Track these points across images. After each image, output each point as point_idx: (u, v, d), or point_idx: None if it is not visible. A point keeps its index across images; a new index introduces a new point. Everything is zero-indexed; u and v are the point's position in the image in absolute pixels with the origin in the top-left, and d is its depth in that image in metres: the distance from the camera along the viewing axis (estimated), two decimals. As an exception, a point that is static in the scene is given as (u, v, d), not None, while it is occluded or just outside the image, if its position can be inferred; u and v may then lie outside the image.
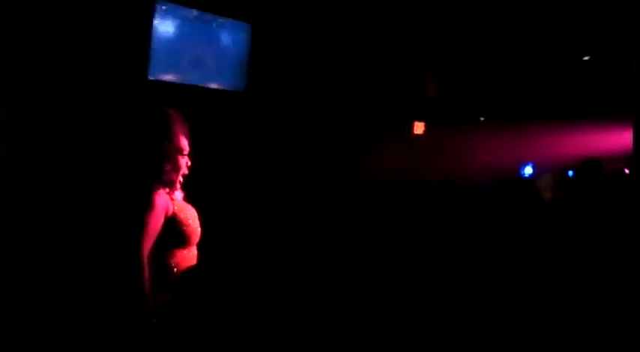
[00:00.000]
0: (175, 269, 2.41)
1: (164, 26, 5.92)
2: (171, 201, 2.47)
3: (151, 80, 5.87)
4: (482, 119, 10.09)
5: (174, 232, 2.44)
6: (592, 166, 4.99)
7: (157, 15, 5.82)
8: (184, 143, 2.59)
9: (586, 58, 9.66)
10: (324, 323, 4.53)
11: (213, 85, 6.46)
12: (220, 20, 6.40)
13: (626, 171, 5.74)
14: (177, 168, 2.55)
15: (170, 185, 2.50)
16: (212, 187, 5.92)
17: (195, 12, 6.16)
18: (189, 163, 2.63)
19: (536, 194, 6.77)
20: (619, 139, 8.27)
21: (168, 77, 6.03)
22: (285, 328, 2.36)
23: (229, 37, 6.50)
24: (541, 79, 9.48)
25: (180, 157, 2.57)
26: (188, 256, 2.49)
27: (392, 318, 4.95)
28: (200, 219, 2.63)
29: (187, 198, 2.68)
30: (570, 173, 7.21)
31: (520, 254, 5.24)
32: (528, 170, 9.11)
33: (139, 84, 5.75)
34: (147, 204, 2.38)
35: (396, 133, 8.59)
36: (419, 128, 9.35)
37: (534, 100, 9.11)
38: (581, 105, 8.84)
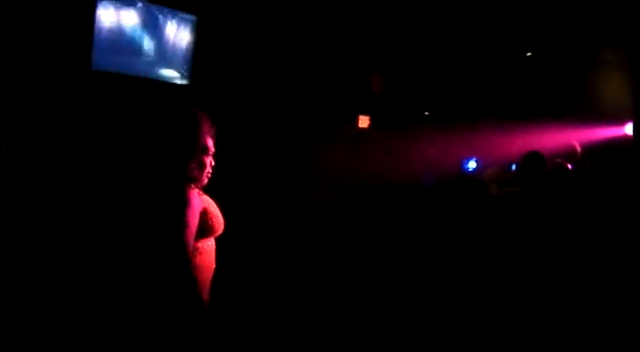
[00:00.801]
0: (198, 257, 2.52)
1: (108, 17, 5.91)
2: (199, 197, 2.56)
3: (94, 71, 5.85)
4: (426, 113, 10.30)
5: (204, 224, 2.53)
6: (535, 160, 4.93)
7: (100, 5, 5.81)
8: (210, 143, 2.69)
9: (529, 53, 9.96)
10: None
11: (158, 77, 6.46)
12: (166, 11, 6.40)
13: (569, 166, 5.94)
14: (202, 167, 2.65)
15: (197, 182, 2.60)
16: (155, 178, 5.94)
17: (140, 3, 6.17)
18: (214, 163, 2.73)
19: (481, 189, 7.00)
20: (560, 134, 8.60)
21: (112, 68, 6.02)
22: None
23: (174, 28, 6.51)
24: (484, 73, 9.73)
25: (205, 157, 2.66)
26: (210, 245, 2.61)
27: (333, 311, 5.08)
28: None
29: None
30: (513, 167, 7.40)
31: (467, 249, 5.42)
32: (472, 164, 9.31)
33: (82, 75, 5.73)
34: (185, 202, 2.47)
35: (341, 127, 8.70)
36: (364, 122, 9.50)
37: (478, 95, 9.33)
38: (524, 100, 9.09)
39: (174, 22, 6.50)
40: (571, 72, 9.53)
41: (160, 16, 6.37)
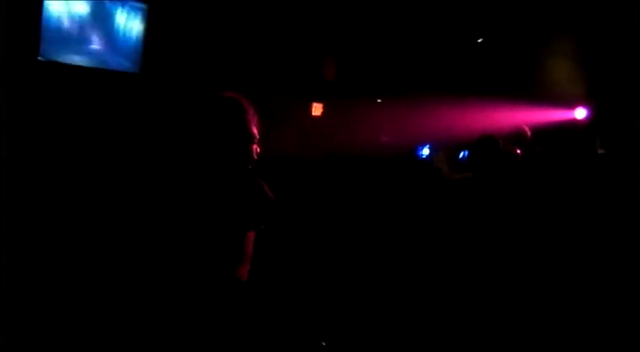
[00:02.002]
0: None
1: (56, 5, 5.95)
2: None
3: (42, 61, 5.89)
4: (379, 100, 10.47)
5: None
6: (488, 145, 4.95)
7: (49, -6, 5.85)
8: (255, 131, 2.71)
9: (480, 40, 10.22)
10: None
11: (107, 67, 6.51)
12: (116, 0, 6.45)
13: (518, 151, 6.12)
14: (250, 155, 2.69)
15: (244, 169, 2.66)
16: (106, 169, 6.03)
17: (90, -9, 6.22)
18: (259, 150, 2.75)
19: (433, 173, 7.16)
20: (511, 116, 8.88)
21: (60, 58, 6.07)
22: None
23: (125, 17, 6.56)
24: (437, 60, 9.94)
25: (252, 145, 2.70)
26: None
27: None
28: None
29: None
30: (465, 152, 7.56)
31: (424, 235, 5.54)
32: (426, 151, 9.50)
33: (29, 65, 5.77)
34: (260, 185, 2.58)
35: (294, 115, 8.81)
36: (317, 109, 9.64)
37: (431, 81, 9.50)
38: (477, 86, 9.29)
39: (124, 10, 6.56)
40: (522, 58, 9.82)
41: (109, 5, 6.42)
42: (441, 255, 4.92)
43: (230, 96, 2.76)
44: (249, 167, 2.70)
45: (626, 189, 5.31)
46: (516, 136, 6.88)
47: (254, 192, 2.59)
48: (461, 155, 7.48)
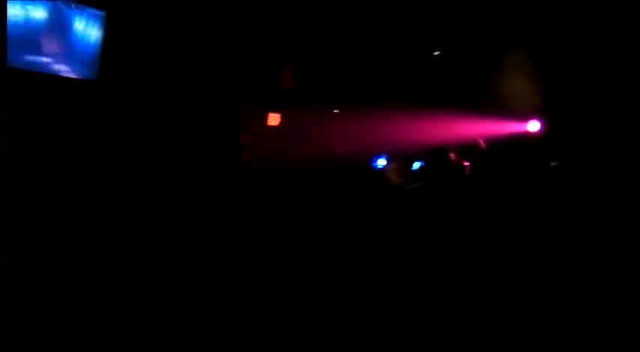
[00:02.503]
0: None
1: (13, 10, 5.92)
2: None
3: (-2, 68, 5.85)
4: (336, 111, 10.59)
5: None
6: (438, 156, 5.01)
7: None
8: (244, 137, 2.78)
9: (436, 53, 10.44)
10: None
11: (65, 73, 6.50)
12: (74, 7, 6.44)
13: (465, 163, 6.27)
14: (239, 162, 2.79)
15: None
16: (60, 176, 6.01)
17: (47, -2, 6.21)
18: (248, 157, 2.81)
19: (383, 181, 7.26)
20: (466, 130, 9.08)
21: (16, 64, 6.03)
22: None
23: (83, 24, 6.56)
24: (394, 71, 10.11)
25: (241, 152, 2.77)
26: None
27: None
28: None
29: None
30: (418, 163, 7.66)
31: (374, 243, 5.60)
32: (381, 162, 9.62)
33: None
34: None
35: (251, 125, 8.85)
36: (274, 119, 9.72)
37: (388, 93, 9.65)
38: (432, 98, 9.48)
39: (82, 17, 6.56)
40: (477, 71, 10.06)
41: (68, 12, 6.42)
42: (391, 264, 4.90)
43: (228, 105, 2.87)
44: (243, 171, 2.81)
45: (618, 193, 5.52)
46: (470, 148, 7.05)
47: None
48: (415, 166, 7.56)
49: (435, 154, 5.02)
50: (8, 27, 5.90)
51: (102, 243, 4.92)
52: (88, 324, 3.97)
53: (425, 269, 4.72)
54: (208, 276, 2.49)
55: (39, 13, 6.17)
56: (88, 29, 6.64)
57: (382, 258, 5.22)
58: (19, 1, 5.98)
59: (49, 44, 6.34)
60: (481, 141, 6.56)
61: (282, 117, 9.80)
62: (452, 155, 5.14)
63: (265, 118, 9.62)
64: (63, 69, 6.51)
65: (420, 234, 4.82)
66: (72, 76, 6.59)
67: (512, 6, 9.04)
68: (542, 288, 5.10)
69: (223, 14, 8.05)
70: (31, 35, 6.14)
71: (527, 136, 9.61)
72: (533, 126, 9.66)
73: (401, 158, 8.05)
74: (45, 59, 6.31)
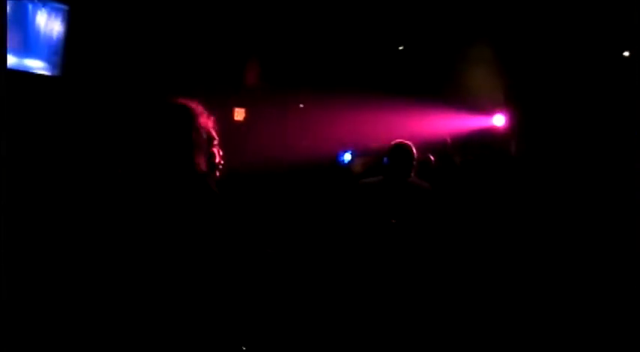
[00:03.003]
0: None
1: (-28, 4, 5.83)
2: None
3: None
4: (301, 106, 10.64)
5: None
6: (400, 149, 4.96)
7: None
8: (212, 133, 2.62)
9: (401, 47, 10.54)
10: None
11: (28, 69, 6.42)
12: (36, 0, 6.37)
13: (432, 157, 6.33)
14: (211, 159, 2.62)
15: (209, 177, 2.57)
16: (25, 174, 5.93)
17: (9, -9, 6.11)
18: (222, 153, 2.68)
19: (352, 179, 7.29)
20: (432, 124, 9.19)
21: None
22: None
23: (45, 18, 6.49)
24: (359, 66, 10.18)
25: (210, 148, 2.61)
26: None
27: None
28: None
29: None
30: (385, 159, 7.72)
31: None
32: (347, 157, 9.68)
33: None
34: (215, 195, 2.45)
35: (216, 119, 8.83)
36: (239, 114, 9.72)
37: (353, 88, 9.70)
38: (398, 93, 9.56)
39: (44, 11, 6.48)
40: (442, 65, 10.18)
41: (29, 5, 6.34)
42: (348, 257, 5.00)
43: (179, 102, 2.61)
44: (217, 173, 2.65)
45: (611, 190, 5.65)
46: (437, 144, 7.13)
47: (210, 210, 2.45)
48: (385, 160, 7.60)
49: (395, 148, 4.99)
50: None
51: (67, 238, 4.88)
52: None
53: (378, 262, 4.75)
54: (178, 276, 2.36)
55: (-1, 7, 6.08)
56: (50, 23, 6.56)
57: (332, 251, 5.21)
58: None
59: (10, 38, 6.25)
60: (448, 138, 6.60)
61: (247, 113, 9.80)
62: (419, 152, 5.19)
63: (232, 113, 9.61)
64: (24, 64, 6.43)
65: (372, 227, 4.82)
66: (33, 71, 6.50)
67: (476, 3, 9.16)
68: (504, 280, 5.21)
69: (187, 9, 8.03)
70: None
71: (492, 131, 9.78)
72: (499, 119, 9.82)
73: (367, 152, 8.09)
74: (7, 54, 6.22)
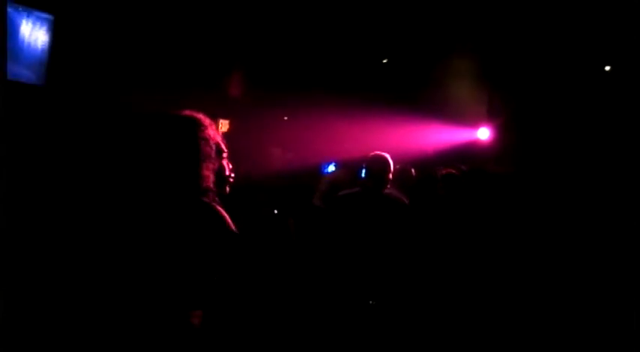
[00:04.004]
0: None
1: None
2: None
3: None
4: (285, 118, 10.76)
5: None
6: (378, 162, 5.04)
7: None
8: (222, 145, 2.56)
9: (385, 60, 10.70)
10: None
11: (12, 78, 6.47)
12: (21, 10, 6.44)
13: (412, 171, 6.40)
14: (221, 173, 2.56)
15: (217, 191, 2.51)
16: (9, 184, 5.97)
17: (-8, 0, 6.18)
18: (231, 166, 2.62)
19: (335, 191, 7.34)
20: (417, 137, 9.32)
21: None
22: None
23: (30, 27, 6.56)
24: (344, 79, 10.32)
25: (220, 161, 2.56)
26: None
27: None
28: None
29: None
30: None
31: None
32: (331, 168, 9.78)
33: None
34: (221, 218, 2.38)
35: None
36: (223, 126, 9.83)
37: (337, 100, 9.82)
38: (382, 106, 9.69)
39: (29, 21, 6.55)
40: (425, 78, 10.34)
41: (14, 14, 6.40)
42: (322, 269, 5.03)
43: (185, 114, 2.57)
44: (227, 188, 2.59)
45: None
46: (420, 157, 7.20)
47: (212, 226, 2.37)
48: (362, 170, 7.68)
49: (372, 160, 5.08)
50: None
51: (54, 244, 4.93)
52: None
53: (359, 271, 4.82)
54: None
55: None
56: (35, 33, 6.63)
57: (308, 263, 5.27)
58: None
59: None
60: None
61: (231, 124, 9.91)
62: (390, 161, 5.26)
63: (216, 125, 9.70)
64: (10, 73, 6.49)
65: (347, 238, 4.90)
66: (19, 80, 6.56)
67: (460, 16, 9.33)
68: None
69: (171, 20, 8.14)
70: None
71: (476, 144, 9.94)
72: (483, 133, 9.99)
73: (351, 165, 8.20)
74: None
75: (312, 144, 9.63)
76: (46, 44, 6.74)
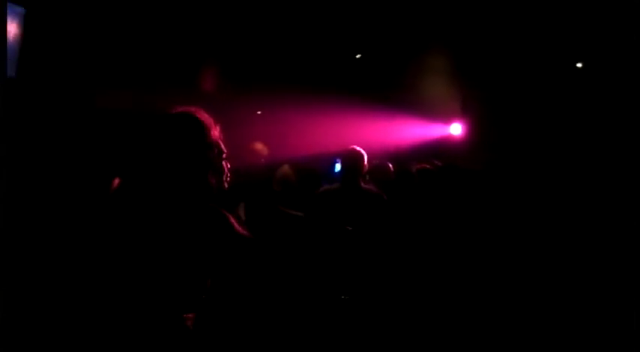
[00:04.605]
0: None
1: None
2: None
3: None
4: (259, 112, 10.77)
5: None
6: (354, 157, 5.13)
7: None
8: (221, 144, 2.54)
9: (358, 56, 10.76)
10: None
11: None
12: (-8, 2, 6.40)
13: (390, 166, 6.46)
14: (221, 173, 2.53)
15: (217, 192, 2.49)
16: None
17: (-40, -8, 6.14)
18: (229, 165, 2.59)
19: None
20: (391, 132, 9.40)
21: None
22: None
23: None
24: (318, 74, 10.36)
25: (220, 161, 2.53)
26: None
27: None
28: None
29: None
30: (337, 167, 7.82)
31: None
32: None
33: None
34: (225, 218, 2.36)
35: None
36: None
37: (311, 95, 9.86)
38: (356, 101, 9.75)
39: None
40: (398, 74, 10.41)
41: (-17, 6, 6.36)
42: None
43: (188, 114, 2.53)
44: (225, 187, 2.56)
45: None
46: (396, 152, 7.27)
47: (217, 228, 2.36)
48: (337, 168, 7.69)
49: (348, 155, 5.23)
50: None
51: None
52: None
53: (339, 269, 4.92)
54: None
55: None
56: (5, 25, 6.58)
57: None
58: None
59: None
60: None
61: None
62: (363, 155, 5.30)
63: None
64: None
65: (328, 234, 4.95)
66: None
67: (434, 12, 9.42)
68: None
69: (143, 13, 8.13)
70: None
71: (449, 139, 10.05)
72: (456, 128, 10.12)
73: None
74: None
75: (285, 139, 9.66)
76: (18, 37, 6.70)
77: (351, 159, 5.17)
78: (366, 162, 5.20)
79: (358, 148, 5.25)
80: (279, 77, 10.11)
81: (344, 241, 4.90)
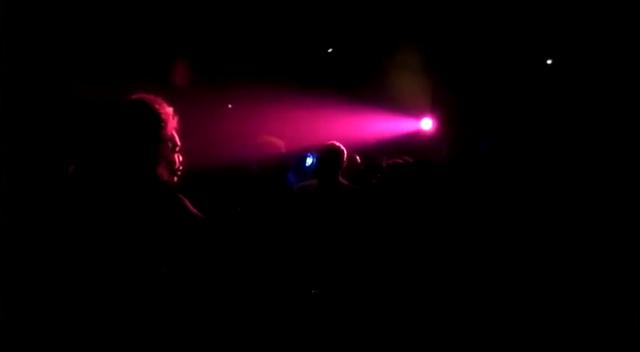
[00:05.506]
0: None
1: None
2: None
3: None
4: (229, 106, 10.85)
5: None
6: (331, 152, 5.19)
7: None
8: (176, 137, 2.57)
9: (330, 49, 10.90)
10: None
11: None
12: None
13: (358, 158, 6.57)
14: (172, 165, 2.55)
15: (168, 183, 2.51)
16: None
17: None
18: (182, 158, 2.61)
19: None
20: (361, 127, 9.54)
21: None
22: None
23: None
24: (289, 67, 10.48)
25: (172, 153, 2.55)
26: None
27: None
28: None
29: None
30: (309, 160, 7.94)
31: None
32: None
33: None
34: (178, 200, 2.40)
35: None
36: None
37: (282, 88, 9.96)
38: (328, 95, 9.89)
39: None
40: (370, 68, 10.56)
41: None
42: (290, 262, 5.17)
43: (139, 99, 2.55)
44: (175, 180, 2.57)
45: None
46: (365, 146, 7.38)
47: (173, 211, 2.41)
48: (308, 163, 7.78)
49: (325, 150, 5.27)
50: None
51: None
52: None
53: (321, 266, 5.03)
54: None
55: None
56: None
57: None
58: None
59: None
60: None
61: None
62: (351, 154, 5.40)
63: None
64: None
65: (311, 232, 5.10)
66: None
67: (405, 7, 9.58)
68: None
69: (115, 7, 8.20)
70: None
71: (419, 134, 10.24)
72: (426, 123, 10.33)
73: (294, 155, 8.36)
74: None
75: (255, 132, 9.76)
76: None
77: (331, 155, 5.24)
78: (345, 158, 5.27)
79: (338, 144, 5.31)
80: (249, 70, 10.18)
81: (327, 236, 5.00)
